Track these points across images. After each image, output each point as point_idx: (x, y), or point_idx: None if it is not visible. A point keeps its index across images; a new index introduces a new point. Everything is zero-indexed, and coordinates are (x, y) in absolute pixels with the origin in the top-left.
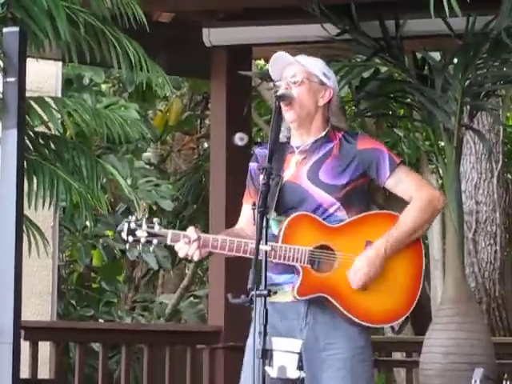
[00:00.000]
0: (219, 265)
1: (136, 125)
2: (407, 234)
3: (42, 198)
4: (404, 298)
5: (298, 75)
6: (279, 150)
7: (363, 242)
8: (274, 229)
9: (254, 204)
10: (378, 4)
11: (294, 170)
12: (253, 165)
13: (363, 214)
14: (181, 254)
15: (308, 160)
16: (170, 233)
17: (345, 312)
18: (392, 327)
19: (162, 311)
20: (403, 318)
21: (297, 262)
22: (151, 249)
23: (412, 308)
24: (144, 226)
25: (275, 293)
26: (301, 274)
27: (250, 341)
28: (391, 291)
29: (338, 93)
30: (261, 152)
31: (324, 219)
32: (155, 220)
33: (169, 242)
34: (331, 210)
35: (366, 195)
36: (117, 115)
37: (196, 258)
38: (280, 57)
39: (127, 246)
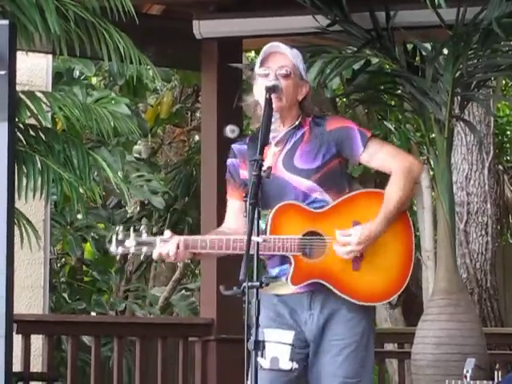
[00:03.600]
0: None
1: (125, 121)
2: (396, 209)
3: (32, 189)
4: (397, 274)
5: (287, 68)
6: (255, 142)
7: (350, 223)
8: (261, 223)
9: (246, 196)
10: None
11: (271, 161)
12: (231, 161)
13: (347, 196)
14: (171, 259)
15: (283, 149)
16: (158, 239)
17: (340, 294)
18: (389, 302)
19: (156, 300)
20: (399, 292)
21: (287, 251)
22: (142, 257)
23: (406, 282)
24: (132, 236)
25: (267, 284)
26: (292, 262)
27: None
28: (384, 268)
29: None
30: (239, 148)
31: (308, 205)
32: (142, 228)
33: (157, 249)
34: (313, 195)
35: (345, 175)
36: (106, 111)
37: (177, 258)
38: (273, 44)
39: (117, 257)
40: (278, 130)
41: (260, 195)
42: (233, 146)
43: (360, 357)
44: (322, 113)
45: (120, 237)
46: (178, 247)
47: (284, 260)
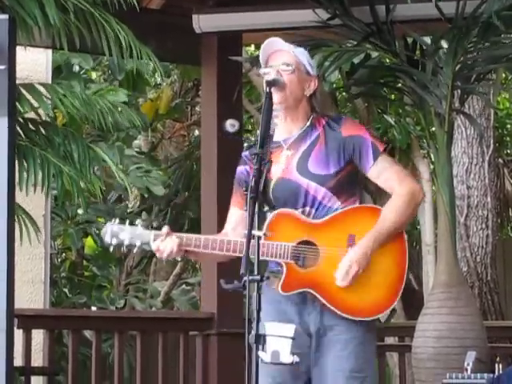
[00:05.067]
0: None
1: (125, 110)
2: (391, 230)
3: (32, 184)
4: (388, 291)
5: (289, 63)
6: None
7: (346, 236)
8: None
9: (247, 189)
10: None
11: (284, 165)
12: (240, 168)
13: (346, 209)
14: (158, 255)
15: (296, 152)
16: (152, 233)
17: (330, 306)
18: (378, 319)
19: (157, 293)
20: (388, 310)
21: (280, 258)
22: (135, 250)
23: (396, 301)
24: (127, 228)
25: (268, 278)
26: (284, 270)
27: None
28: (376, 285)
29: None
30: (247, 155)
31: (316, 210)
32: (138, 221)
33: (151, 243)
34: (324, 201)
35: (356, 181)
36: (106, 101)
37: (170, 256)
38: (273, 41)
39: (111, 248)
40: (289, 130)
41: (271, 198)
42: (243, 153)
43: (364, 352)
44: (325, 110)
45: (115, 228)
46: (175, 246)
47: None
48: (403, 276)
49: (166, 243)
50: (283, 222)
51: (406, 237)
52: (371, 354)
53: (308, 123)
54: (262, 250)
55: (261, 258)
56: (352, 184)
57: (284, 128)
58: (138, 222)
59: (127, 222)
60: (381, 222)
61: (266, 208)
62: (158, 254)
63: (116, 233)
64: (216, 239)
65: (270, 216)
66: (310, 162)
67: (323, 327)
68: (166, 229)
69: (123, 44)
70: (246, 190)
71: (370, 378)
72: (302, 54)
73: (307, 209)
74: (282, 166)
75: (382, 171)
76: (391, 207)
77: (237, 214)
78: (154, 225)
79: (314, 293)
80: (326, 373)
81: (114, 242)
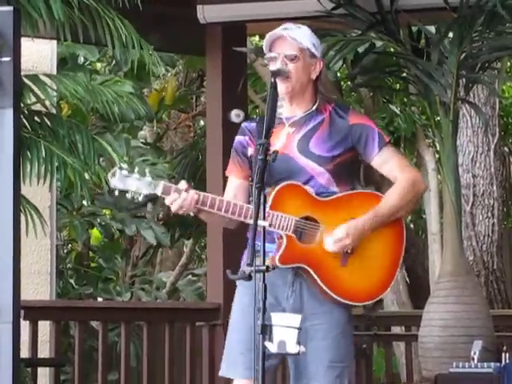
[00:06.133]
0: (217, 242)
1: (130, 99)
2: (390, 213)
3: (36, 175)
4: (382, 278)
5: (292, 51)
6: (262, 123)
7: (348, 219)
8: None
9: (252, 180)
10: None
11: (284, 141)
12: (239, 138)
13: (350, 192)
14: (173, 208)
15: (298, 132)
16: (161, 183)
17: (323, 286)
18: (364, 306)
19: (163, 284)
20: (379, 297)
21: (282, 229)
22: (140, 198)
23: (387, 289)
24: (135, 175)
25: (273, 268)
26: (284, 241)
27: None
28: (371, 270)
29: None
30: (249, 126)
31: (315, 191)
32: (147, 170)
33: (159, 193)
34: (322, 182)
35: (354, 169)
36: (111, 91)
37: (189, 208)
38: (273, 33)
39: (116, 192)
40: (293, 111)
41: (268, 173)
42: (243, 124)
43: (344, 342)
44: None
45: (124, 173)
46: (193, 201)
47: (271, 239)
48: (397, 264)
49: (183, 197)
50: (289, 193)
51: (404, 224)
52: (351, 343)
53: (314, 107)
54: (266, 218)
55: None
56: (349, 172)
57: (288, 109)
58: (147, 170)
59: (136, 168)
60: (381, 204)
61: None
62: (171, 207)
63: (124, 177)
64: (230, 202)
65: (277, 186)
66: (312, 143)
67: (301, 312)
68: (184, 183)
69: (124, 41)
70: (252, 180)
71: (350, 367)
72: (305, 36)
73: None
74: (282, 142)
75: (385, 160)
76: (391, 192)
77: (235, 183)
78: (160, 215)
79: (309, 269)
80: (306, 362)
81: (121, 186)
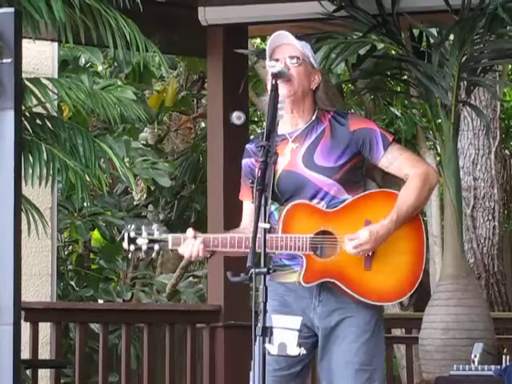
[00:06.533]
0: None
1: (131, 106)
2: (408, 215)
3: (38, 177)
4: (409, 274)
5: (297, 56)
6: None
7: (363, 222)
8: (276, 218)
9: (253, 182)
10: None
11: (289, 158)
12: (245, 161)
13: (360, 195)
14: (187, 256)
15: (301, 146)
16: (170, 237)
17: (353, 294)
18: (401, 303)
19: (163, 287)
20: (410, 293)
21: (299, 250)
22: (153, 254)
23: (417, 283)
24: (144, 234)
25: (274, 271)
26: (304, 261)
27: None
28: (396, 268)
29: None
30: (253, 148)
31: (326, 202)
32: (154, 226)
33: (170, 247)
34: (332, 193)
35: (362, 172)
36: (112, 96)
37: (201, 254)
38: (280, 34)
39: (130, 255)
40: (295, 123)
41: (277, 191)
42: (247, 146)
43: (374, 345)
44: (331, 104)
45: (132, 234)
46: (200, 250)
47: (290, 256)
48: (422, 259)
49: (190, 247)
50: (299, 213)
51: (422, 221)
52: (382, 345)
53: (314, 117)
54: (280, 243)
55: (279, 251)
56: (358, 176)
57: (289, 121)
58: (154, 226)
59: (143, 227)
60: (398, 206)
61: (275, 206)
62: (185, 256)
63: (133, 239)
64: (241, 237)
65: (284, 209)
66: (316, 155)
67: (330, 317)
68: (191, 230)
69: (128, 39)
70: (253, 183)
71: (379, 370)
72: (305, 47)
73: (316, 201)
74: (287, 159)
75: (392, 160)
76: (407, 192)
77: (250, 207)
78: (161, 217)
79: (335, 281)
80: (335, 365)
81: (132, 248)
